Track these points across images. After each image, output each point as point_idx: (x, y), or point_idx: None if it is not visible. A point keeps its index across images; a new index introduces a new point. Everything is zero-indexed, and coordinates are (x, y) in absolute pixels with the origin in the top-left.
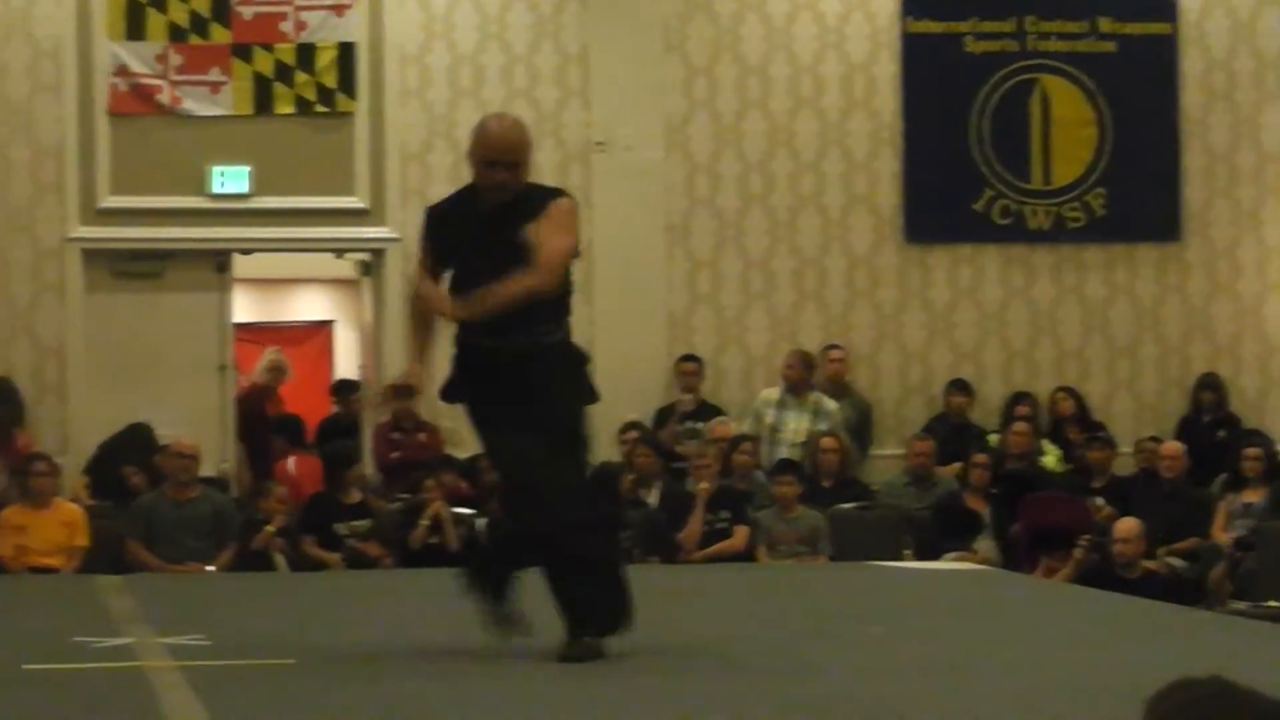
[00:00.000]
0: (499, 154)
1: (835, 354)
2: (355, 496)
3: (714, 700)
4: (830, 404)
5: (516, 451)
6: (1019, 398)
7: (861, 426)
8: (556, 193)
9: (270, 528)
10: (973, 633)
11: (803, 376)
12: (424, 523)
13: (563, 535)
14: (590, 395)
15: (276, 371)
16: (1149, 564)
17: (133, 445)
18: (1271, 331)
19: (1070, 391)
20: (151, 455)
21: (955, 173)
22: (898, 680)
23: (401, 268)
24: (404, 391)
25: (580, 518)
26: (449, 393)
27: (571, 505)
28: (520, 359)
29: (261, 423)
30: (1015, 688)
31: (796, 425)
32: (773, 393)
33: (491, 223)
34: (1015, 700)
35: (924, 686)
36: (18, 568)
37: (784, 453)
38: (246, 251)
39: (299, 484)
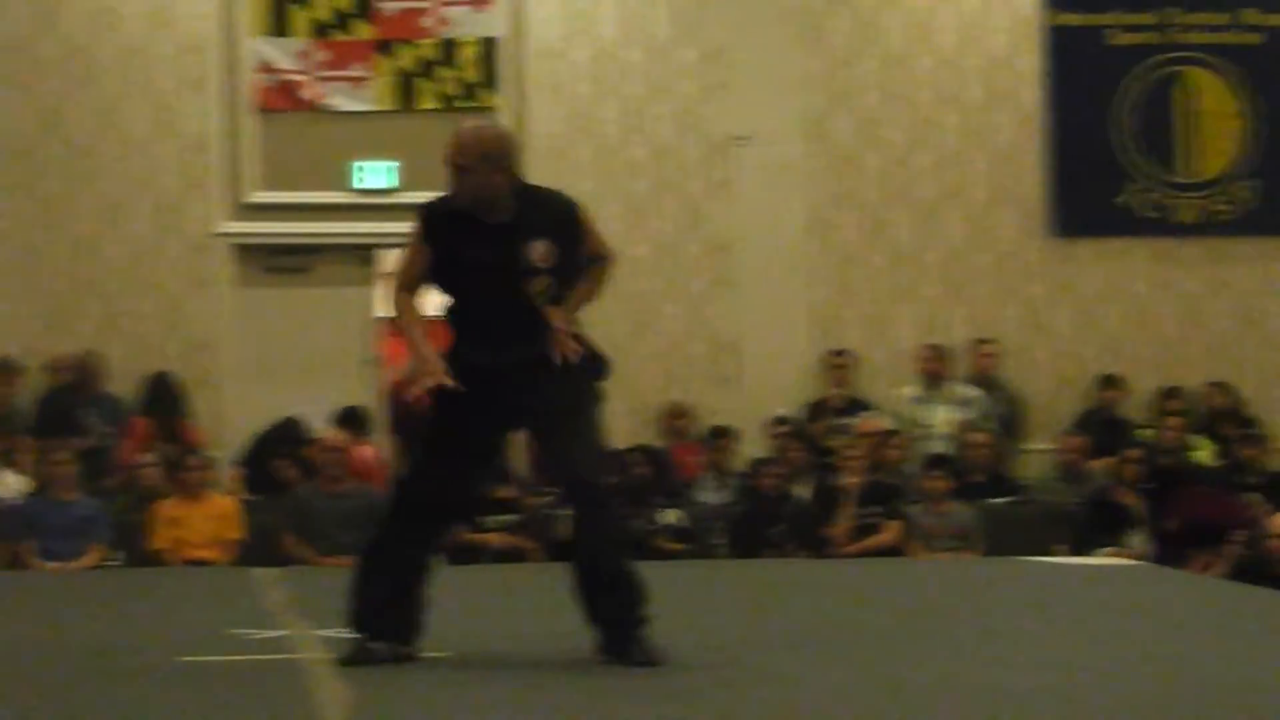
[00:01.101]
0: (462, 155)
1: (986, 348)
2: (504, 490)
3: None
4: (971, 392)
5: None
6: (1170, 392)
7: (1011, 420)
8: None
9: None
10: (1125, 628)
11: (938, 370)
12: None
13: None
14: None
15: None
16: None
17: (284, 439)
18: None
19: (1223, 386)
20: (302, 449)
21: (1099, 166)
22: (1048, 675)
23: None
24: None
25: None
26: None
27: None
28: (530, 370)
29: (414, 415)
30: (1167, 683)
31: (943, 418)
32: (912, 390)
33: (501, 235)
34: (1165, 695)
35: (1075, 681)
36: (174, 560)
37: (934, 446)
38: (393, 246)
39: None
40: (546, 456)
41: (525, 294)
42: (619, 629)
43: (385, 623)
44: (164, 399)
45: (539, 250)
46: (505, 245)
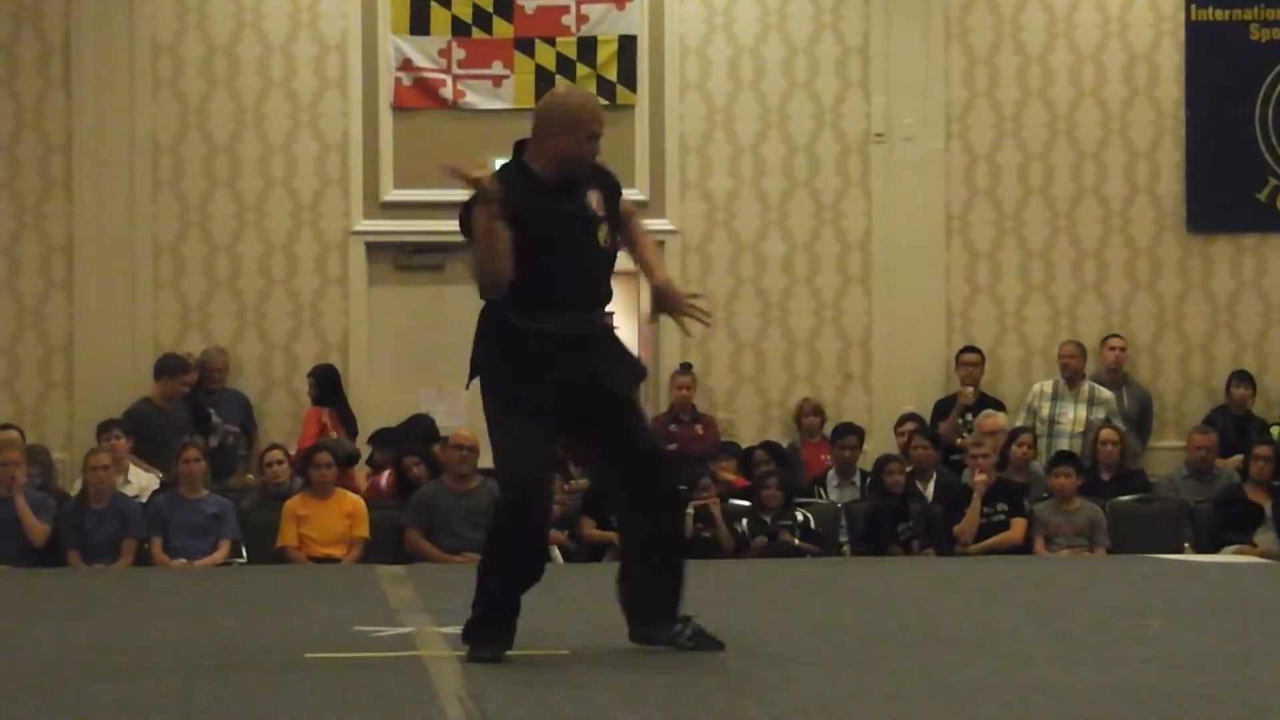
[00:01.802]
0: (600, 125)
1: (1115, 343)
2: None
3: (992, 687)
4: (1105, 392)
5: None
6: None
7: (1142, 417)
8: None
9: None
10: (1253, 626)
11: (1079, 367)
12: (695, 524)
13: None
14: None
15: None
16: None
17: (415, 436)
18: None
19: None
20: (432, 446)
21: (1239, 162)
22: (1177, 673)
23: (680, 259)
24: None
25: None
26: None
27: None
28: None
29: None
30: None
31: (1074, 415)
32: (1046, 385)
33: (564, 193)
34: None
35: (1204, 680)
36: (300, 558)
37: (1063, 444)
38: None
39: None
40: (611, 435)
41: (595, 243)
42: (668, 614)
43: (499, 629)
44: (333, 389)
45: (595, 199)
46: (569, 199)
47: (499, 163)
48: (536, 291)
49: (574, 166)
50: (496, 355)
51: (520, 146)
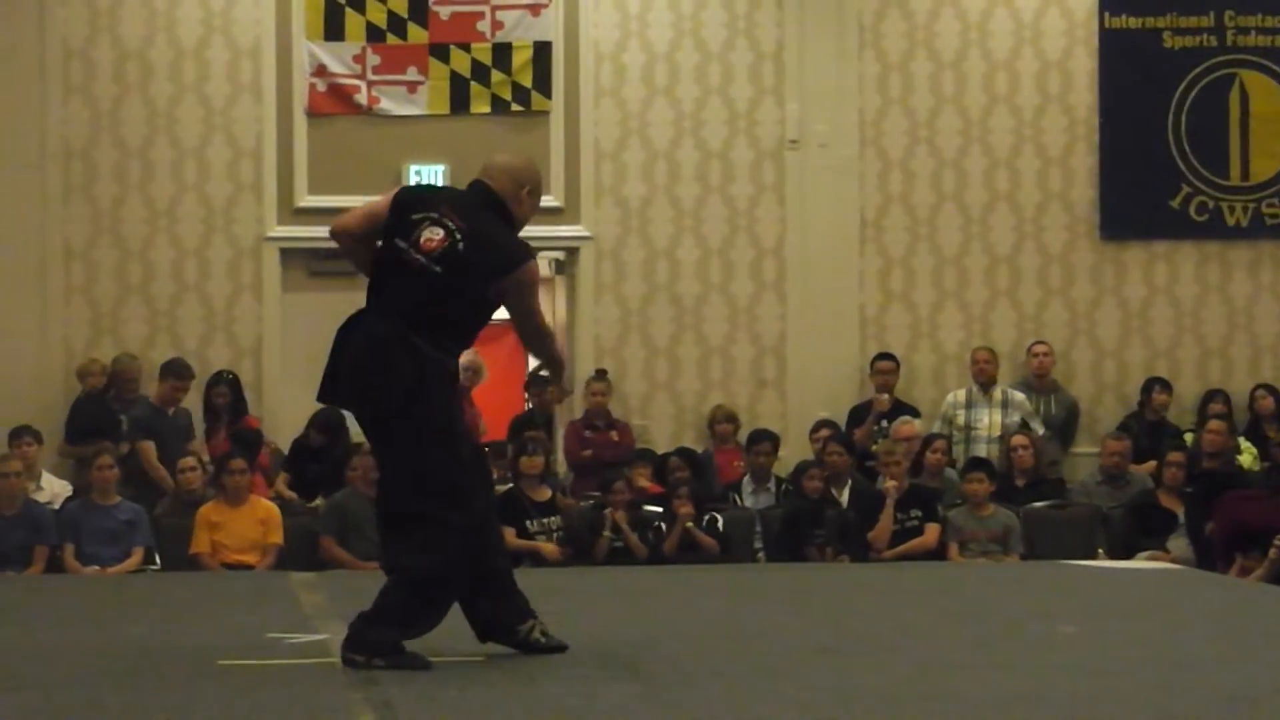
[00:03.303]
0: None
1: (1039, 349)
2: (545, 494)
3: (904, 696)
4: (1018, 395)
5: None
6: (1213, 395)
7: (1067, 423)
8: None
9: None
10: (1167, 632)
11: (992, 373)
12: (606, 536)
13: None
14: None
15: (471, 373)
16: None
17: (318, 426)
18: None
19: (1270, 389)
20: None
21: (1152, 169)
22: (1090, 679)
23: (594, 265)
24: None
25: None
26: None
27: None
28: None
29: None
30: (1211, 687)
31: (990, 421)
32: (959, 394)
33: None
34: (1211, 700)
35: (1117, 685)
36: (214, 564)
37: (981, 450)
38: None
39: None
40: None
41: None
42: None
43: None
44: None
45: None
46: None
47: None
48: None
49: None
50: (445, 394)
51: (492, 194)
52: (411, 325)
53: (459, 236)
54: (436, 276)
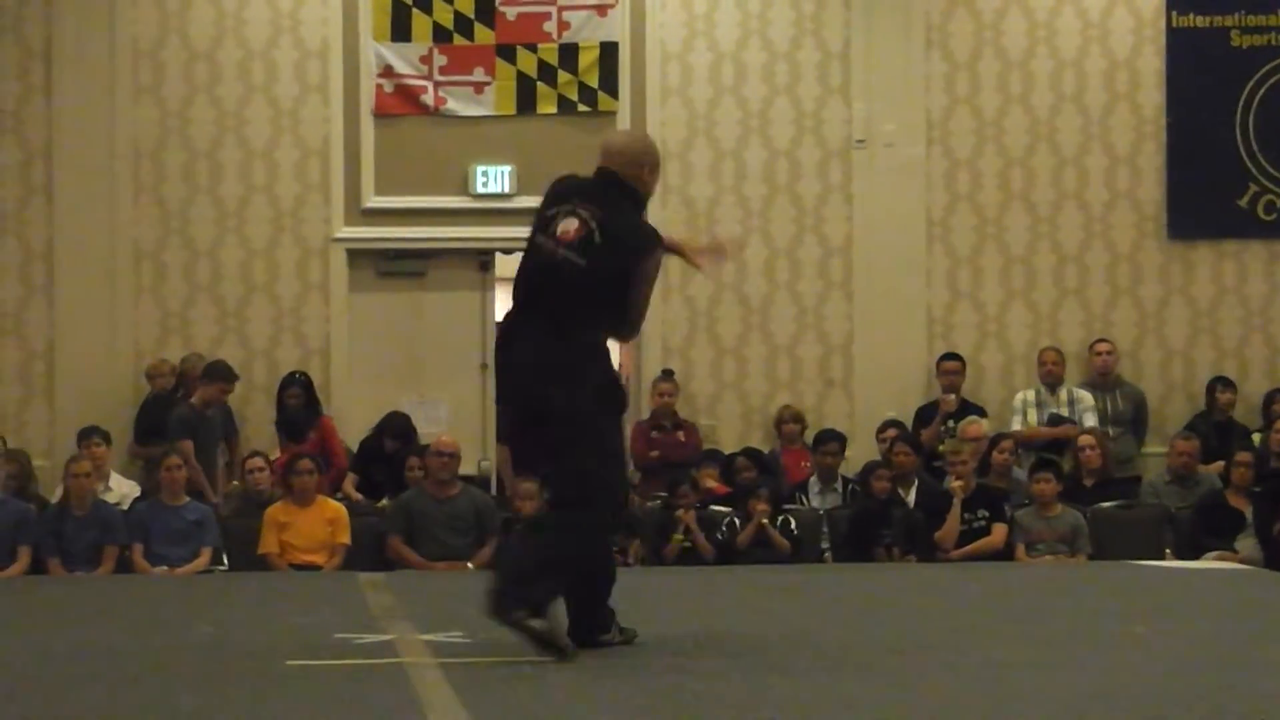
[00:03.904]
0: None
1: (1102, 347)
2: None
3: (971, 696)
4: (1085, 395)
5: None
6: (1276, 394)
7: (1137, 417)
8: None
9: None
10: (1235, 632)
11: (1060, 374)
12: (677, 538)
13: None
14: None
15: None
16: None
17: (391, 432)
18: None
19: None
20: (413, 441)
21: (1219, 168)
22: (1159, 680)
23: (664, 265)
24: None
25: None
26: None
27: None
28: None
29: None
30: (1256, 688)
31: (1059, 414)
32: (1028, 394)
33: None
34: (1277, 700)
35: (1186, 686)
36: (282, 565)
37: (1045, 450)
38: (508, 251)
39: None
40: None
41: None
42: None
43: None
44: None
45: None
46: None
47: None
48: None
49: None
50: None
51: (616, 179)
52: (569, 317)
53: (593, 225)
54: (580, 269)
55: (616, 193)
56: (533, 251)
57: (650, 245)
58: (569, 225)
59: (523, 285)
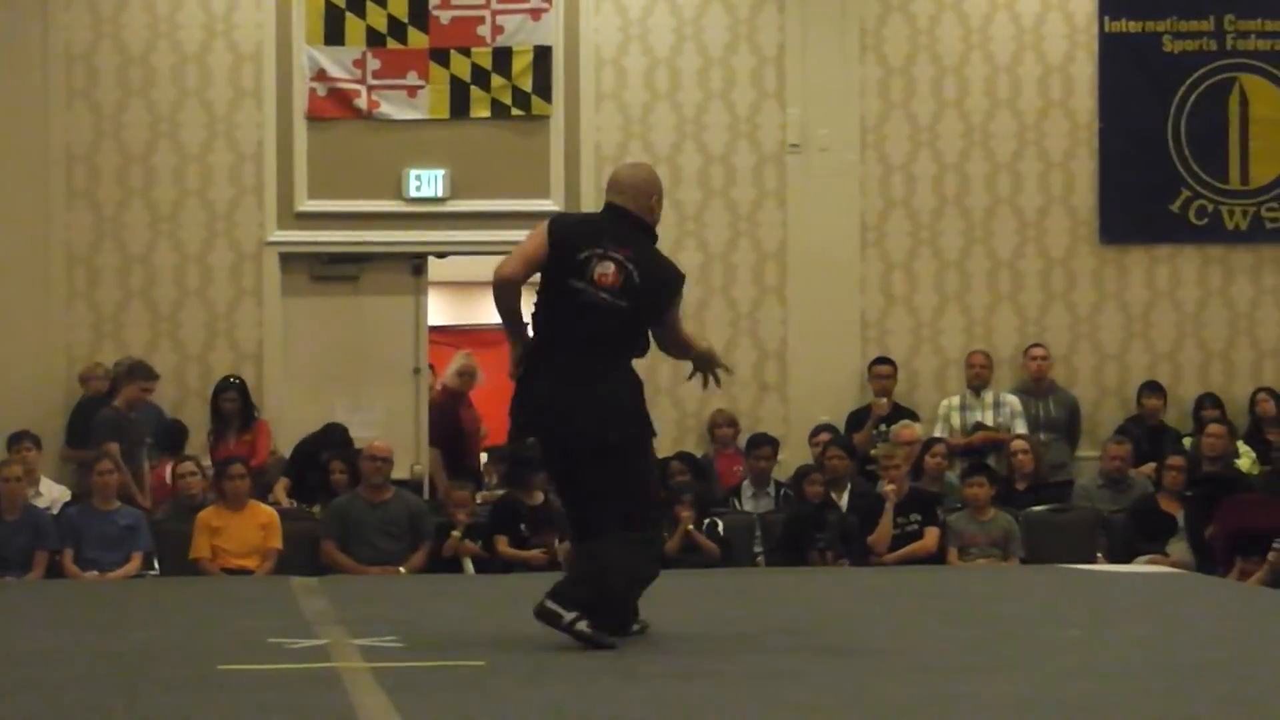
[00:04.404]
0: None
1: (1037, 352)
2: (537, 498)
3: (909, 700)
4: (1012, 399)
5: None
6: (1213, 400)
7: (1070, 423)
8: None
9: (456, 533)
10: (1168, 636)
11: (987, 377)
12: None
13: None
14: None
15: (467, 376)
16: None
17: (329, 445)
18: None
19: (1271, 392)
20: (348, 453)
21: (1152, 173)
22: (1094, 682)
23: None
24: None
25: None
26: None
27: None
28: None
29: (455, 428)
30: (1213, 690)
31: (982, 422)
32: (953, 399)
33: None
34: (1213, 703)
35: (1120, 689)
36: (214, 569)
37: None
38: (442, 254)
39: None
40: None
41: None
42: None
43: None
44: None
45: None
46: None
47: None
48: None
49: None
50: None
51: (629, 214)
52: (612, 354)
53: (630, 267)
54: (624, 310)
55: (638, 231)
56: (569, 295)
57: (681, 281)
58: (606, 269)
59: (554, 323)
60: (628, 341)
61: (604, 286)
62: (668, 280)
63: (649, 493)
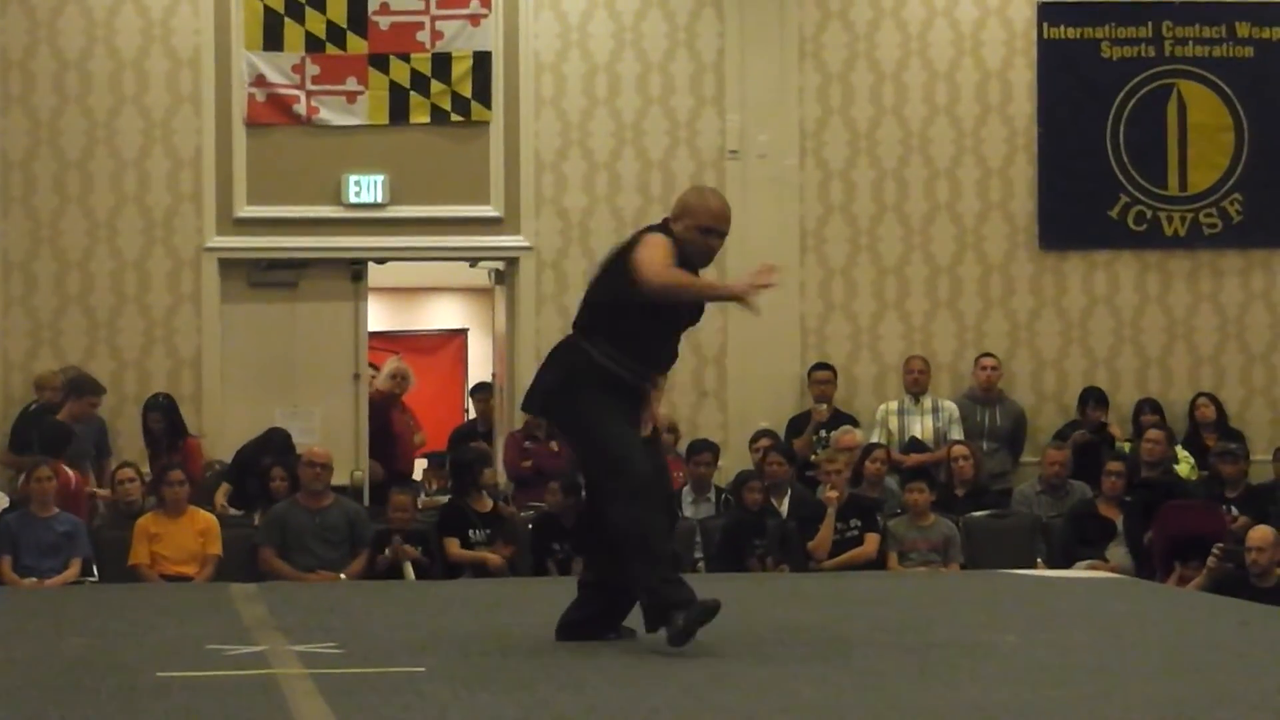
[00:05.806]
0: (722, 224)
1: (987, 362)
2: (486, 504)
3: (845, 705)
4: (948, 404)
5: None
6: (1152, 406)
7: (1015, 434)
8: None
9: (398, 539)
10: (1106, 641)
11: (925, 383)
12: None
13: None
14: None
15: (400, 379)
16: None
17: (271, 450)
18: None
19: (1211, 398)
20: (291, 458)
21: (1090, 179)
22: (1030, 689)
23: (535, 276)
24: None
25: None
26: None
27: None
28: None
29: (386, 431)
30: (1150, 696)
31: (922, 428)
32: (891, 404)
33: None
34: (1150, 709)
35: (1057, 695)
36: (152, 576)
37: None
38: (381, 260)
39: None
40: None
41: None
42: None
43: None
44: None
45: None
46: None
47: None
48: (628, 347)
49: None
50: (590, 381)
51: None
52: (580, 331)
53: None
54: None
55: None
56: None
57: (636, 239)
58: None
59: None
60: (590, 312)
61: None
62: (625, 245)
63: (602, 449)
